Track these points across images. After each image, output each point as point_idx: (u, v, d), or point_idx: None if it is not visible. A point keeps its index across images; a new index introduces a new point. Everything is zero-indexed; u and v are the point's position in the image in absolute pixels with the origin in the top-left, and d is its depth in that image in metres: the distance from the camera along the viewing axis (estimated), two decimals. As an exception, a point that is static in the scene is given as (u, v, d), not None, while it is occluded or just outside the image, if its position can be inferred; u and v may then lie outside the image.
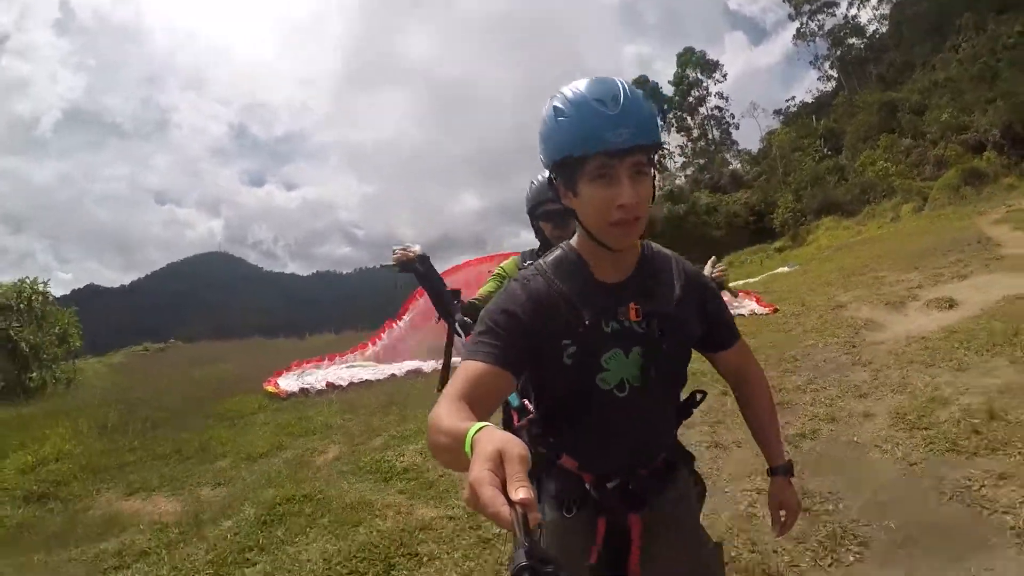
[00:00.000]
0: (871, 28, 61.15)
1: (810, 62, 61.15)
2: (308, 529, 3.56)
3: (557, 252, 1.37)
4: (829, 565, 2.53)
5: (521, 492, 0.63)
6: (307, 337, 19.55)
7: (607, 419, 1.34)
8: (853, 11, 61.34)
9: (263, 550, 3.33)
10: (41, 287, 13.68)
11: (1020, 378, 4.07)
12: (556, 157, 1.21)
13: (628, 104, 1.16)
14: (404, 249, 2.40)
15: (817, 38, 60.96)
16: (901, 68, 52.29)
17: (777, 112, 59.39)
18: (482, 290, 2.48)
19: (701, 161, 54.56)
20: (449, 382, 1.15)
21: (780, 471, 1.49)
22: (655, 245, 1.42)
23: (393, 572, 2.99)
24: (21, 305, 13.05)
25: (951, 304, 7.06)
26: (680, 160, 51.59)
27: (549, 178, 1.31)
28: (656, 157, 1.25)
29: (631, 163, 1.16)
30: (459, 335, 2.28)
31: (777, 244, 34.12)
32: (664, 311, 1.33)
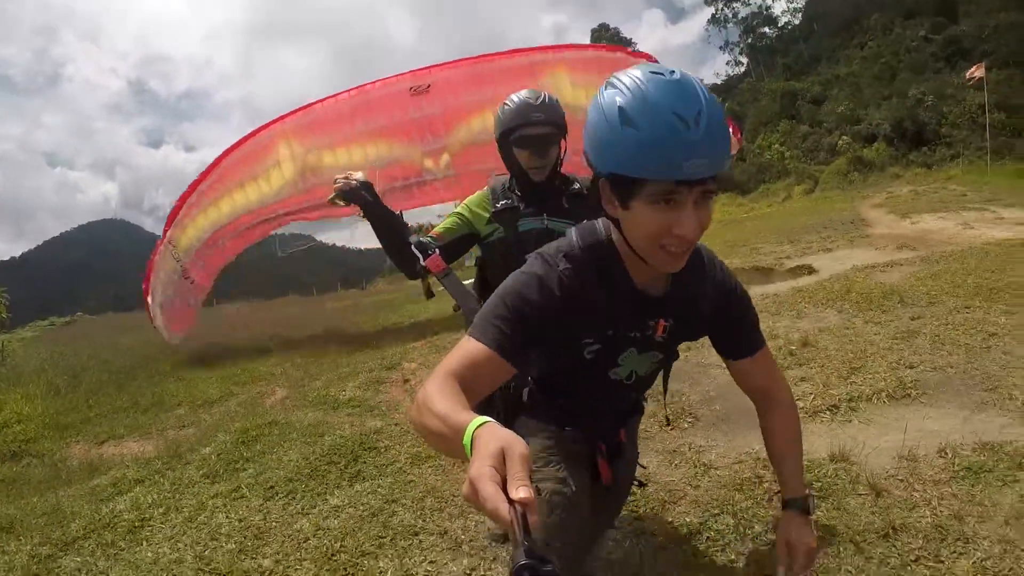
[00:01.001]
0: (784, 19, 64.77)
1: (720, 47, 64.30)
2: (282, 442, 4.29)
3: (592, 240, 1.25)
4: (671, 430, 3.55)
5: (522, 491, 0.63)
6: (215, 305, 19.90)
7: (607, 395, 1.47)
8: (768, 1, 64.67)
9: (248, 460, 4.06)
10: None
11: (838, 321, 5.28)
12: (614, 170, 1.05)
13: (711, 125, 0.99)
14: (346, 178, 2.23)
15: (730, 24, 64.11)
16: (808, 61, 55.45)
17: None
18: (440, 227, 2.24)
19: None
20: (448, 357, 1.11)
21: (794, 505, 1.36)
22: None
23: (359, 460, 3.79)
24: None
25: (810, 271, 8.42)
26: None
27: (594, 178, 1.14)
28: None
29: (701, 190, 1.03)
30: (419, 257, 2.12)
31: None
32: (687, 326, 1.36)
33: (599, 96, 1.07)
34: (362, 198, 2.19)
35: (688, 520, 2.61)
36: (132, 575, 2.91)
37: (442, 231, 2.22)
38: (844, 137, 34.57)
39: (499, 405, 1.73)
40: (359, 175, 2.25)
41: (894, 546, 2.17)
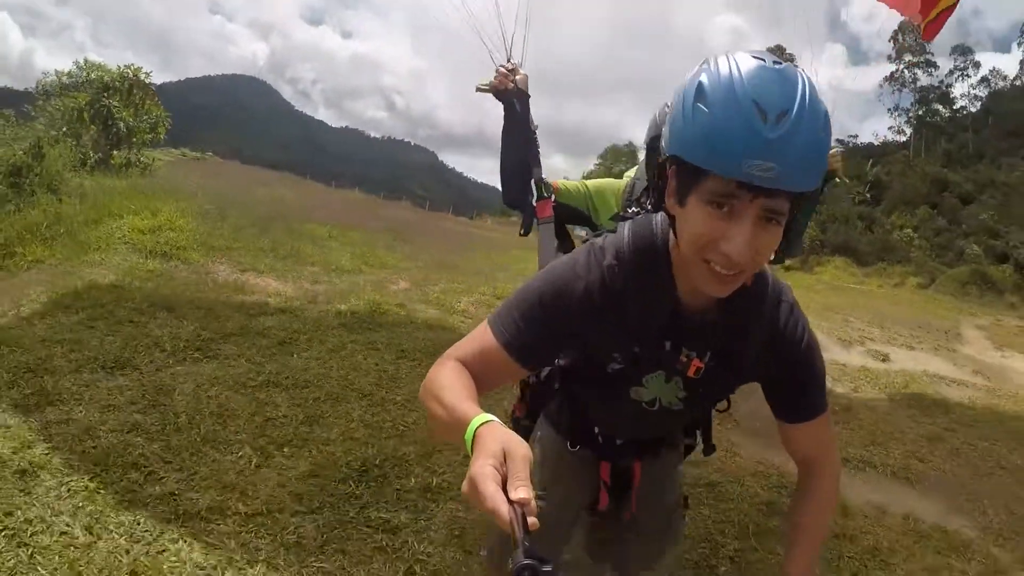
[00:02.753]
0: (960, 103, 60.91)
1: (889, 108, 60.93)
2: (409, 322, 5.33)
3: (644, 242, 1.07)
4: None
5: (521, 491, 0.63)
6: (333, 186, 21.34)
7: (629, 417, 1.29)
8: (950, 80, 60.81)
9: (380, 326, 5.10)
10: (144, 77, 15.20)
11: (886, 408, 5.89)
12: (676, 152, 0.90)
13: (796, 128, 0.81)
14: (512, 71, 2.00)
15: (906, 89, 60.81)
16: (970, 154, 52.47)
17: (839, 141, 59.36)
18: (562, 184, 2.03)
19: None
20: (463, 341, 1.08)
21: None
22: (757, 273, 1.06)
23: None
24: (123, 88, 14.58)
25: (884, 358, 8.83)
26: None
27: (662, 162, 0.98)
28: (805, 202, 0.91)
29: (765, 205, 0.85)
30: (533, 193, 1.91)
31: (787, 262, 35.72)
32: (725, 371, 1.15)
33: (691, 72, 0.92)
34: (511, 105, 1.99)
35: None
36: (286, 371, 3.93)
37: (562, 189, 1.99)
38: (975, 247, 33.05)
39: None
40: (521, 76, 2.01)
41: None
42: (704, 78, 0.87)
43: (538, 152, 2.02)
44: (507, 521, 0.61)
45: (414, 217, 20.77)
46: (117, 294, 5.10)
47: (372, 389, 3.80)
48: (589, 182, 2.07)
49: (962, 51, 61.62)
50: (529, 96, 2.03)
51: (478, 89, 2.06)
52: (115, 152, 13.83)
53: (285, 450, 3.03)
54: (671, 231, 1.03)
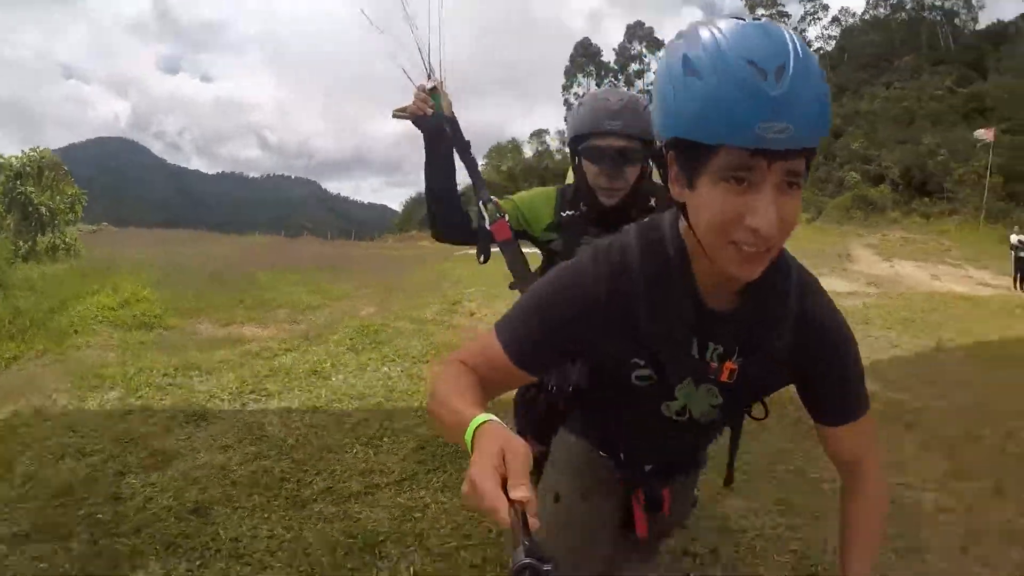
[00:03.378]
0: (816, 44, 65.43)
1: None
2: (399, 336, 6.12)
3: (653, 236, 0.98)
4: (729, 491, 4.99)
5: (520, 491, 0.63)
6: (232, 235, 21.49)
7: (658, 435, 1.19)
8: (803, 26, 65.42)
9: (379, 343, 5.87)
10: (54, 157, 15.12)
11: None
12: (676, 133, 0.80)
13: (799, 81, 0.74)
14: (432, 90, 1.75)
15: None
16: (833, 92, 56.37)
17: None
18: (503, 202, 1.83)
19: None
20: (470, 344, 1.06)
21: None
22: (778, 258, 0.94)
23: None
24: (35, 172, 14.47)
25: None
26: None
27: (658, 151, 0.88)
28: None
29: (784, 169, 0.76)
30: (484, 217, 1.77)
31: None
32: (760, 368, 1.03)
33: (665, 53, 0.84)
34: (433, 130, 1.75)
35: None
36: (333, 394, 4.56)
37: (505, 206, 1.82)
38: (853, 173, 36.18)
39: (541, 404, 1.64)
40: (445, 99, 1.77)
41: None
42: (687, 50, 0.78)
43: (479, 172, 1.87)
44: (507, 520, 0.61)
45: (326, 250, 21.21)
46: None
47: (410, 391, 4.61)
48: (515, 196, 1.89)
49: None
50: (455, 119, 1.78)
51: (395, 115, 1.82)
52: (38, 237, 13.75)
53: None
54: (681, 221, 0.93)
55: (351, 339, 6.11)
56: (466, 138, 1.84)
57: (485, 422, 0.75)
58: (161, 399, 4.62)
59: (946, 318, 7.95)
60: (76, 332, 8.03)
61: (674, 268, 0.96)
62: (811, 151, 0.78)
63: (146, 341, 7.00)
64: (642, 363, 1.04)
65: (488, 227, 1.76)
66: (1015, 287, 15.32)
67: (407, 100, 1.77)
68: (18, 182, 13.88)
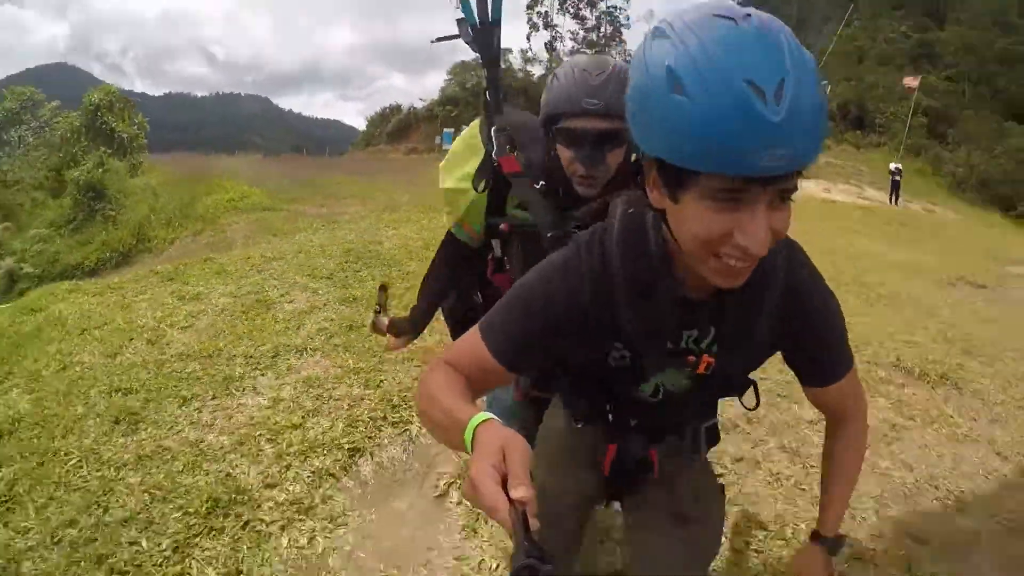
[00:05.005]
0: None
1: None
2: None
3: (636, 231, 0.93)
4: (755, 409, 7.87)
5: (521, 490, 0.63)
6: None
7: (636, 409, 1.18)
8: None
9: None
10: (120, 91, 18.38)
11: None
12: (659, 155, 0.75)
13: (799, 99, 0.66)
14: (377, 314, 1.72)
15: None
16: (794, 26, 58.51)
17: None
18: (464, 215, 1.55)
19: (588, 52, 57.51)
20: (455, 344, 1.03)
21: (822, 540, 1.18)
22: None
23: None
24: (112, 104, 17.66)
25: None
26: (570, 45, 48.92)
27: (636, 159, 0.88)
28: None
29: (777, 189, 0.73)
30: (492, 148, 1.47)
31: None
32: (735, 353, 1.03)
33: (643, 47, 0.75)
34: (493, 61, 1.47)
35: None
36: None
37: (461, 226, 1.59)
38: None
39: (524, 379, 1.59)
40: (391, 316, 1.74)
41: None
42: (672, 60, 0.68)
43: (499, 93, 1.52)
44: (507, 520, 0.60)
45: (305, 166, 22.80)
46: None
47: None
48: (459, 212, 1.55)
49: None
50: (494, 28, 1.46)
51: (437, 39, 1.60)
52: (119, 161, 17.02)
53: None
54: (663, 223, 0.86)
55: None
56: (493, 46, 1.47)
57: (484, 421, 0.73)
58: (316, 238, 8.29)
59: (804, 216, 11.68)
60: (214, 218, 11.75)
61: (657, 269, 0.91)
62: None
63: (271, 218, 10.51)
64: (620, 346, 1.01)
65: (494, 154, 1.45)
66: (890, 202, 20.10)
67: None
68: (98, 113, 17.07)
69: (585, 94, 1.32)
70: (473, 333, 1.00)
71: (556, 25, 58.10)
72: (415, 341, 1.79)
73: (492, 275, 1.66)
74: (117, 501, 2.45)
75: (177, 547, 2.20)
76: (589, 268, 0.96)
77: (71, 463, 2.70)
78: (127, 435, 2.93)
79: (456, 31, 1.49)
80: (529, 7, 62.58)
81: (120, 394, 3.31)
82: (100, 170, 14.08)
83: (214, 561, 2.14)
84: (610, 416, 1.22)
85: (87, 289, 5.74)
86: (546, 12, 58.89)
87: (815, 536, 1.20)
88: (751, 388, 1.18)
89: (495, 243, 1.59)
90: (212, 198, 12.50)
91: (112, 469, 2.66)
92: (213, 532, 2.29)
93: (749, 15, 0.70)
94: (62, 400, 3.30)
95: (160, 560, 2.14)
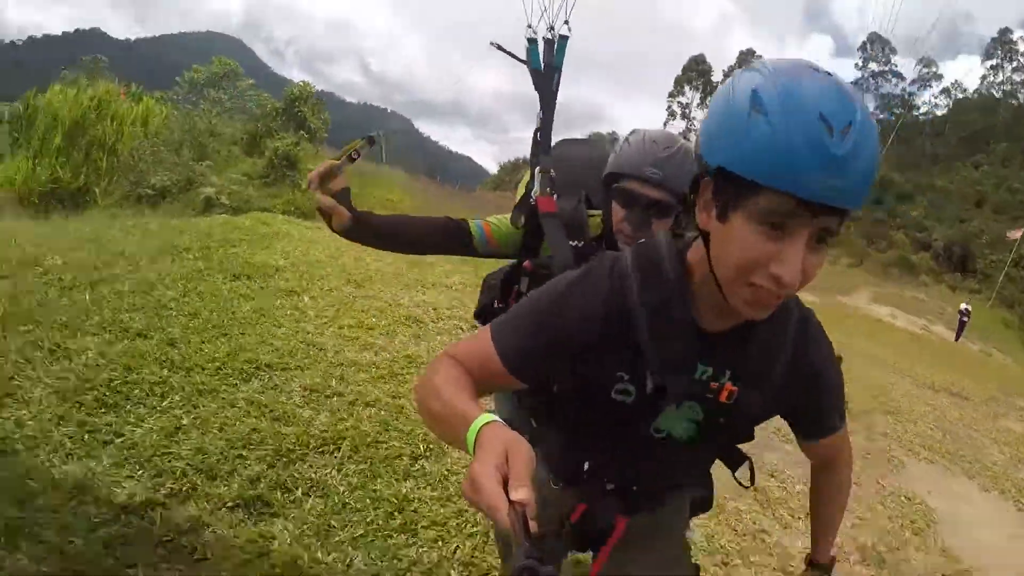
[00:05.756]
0: (923, 109, 67.13)
1: None
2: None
3: (653, 257, 0.97)
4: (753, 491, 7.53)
5: (521, 492, 0.63)
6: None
7: (629, 452, 1.14)
8: (913, 89, 67.04)
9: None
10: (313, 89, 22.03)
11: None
12: (725, 164, 0.79)
13: (861, 144, 0.74)
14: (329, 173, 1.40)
15: (869, 94, 66.11)
16: (927, 158, 58.54)
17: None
18: (498, 223, 1.63)
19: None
20: (464, 340, 1.03)
21: (818, 568, 1.28)
22: None
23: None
24: (307, 98, 21.20)
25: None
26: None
27: (695, 177, 0.88)
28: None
29: (822, 225, 0.77)
30: (534, 189, 1.49)
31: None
32: (755, 392, 1.01)
33: (734, 77, 0.82)
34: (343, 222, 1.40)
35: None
36: None
37: (494, 228, 1.62)
38: (903, 236, 40.09)
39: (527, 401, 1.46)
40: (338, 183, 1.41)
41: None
42: (759, 86, 0.76)
43: (549, 135, 1.56)
44: (506, 521, 0.60)
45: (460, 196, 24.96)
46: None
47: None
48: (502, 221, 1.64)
49: (926, 63, 68.17)
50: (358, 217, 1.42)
51: (496, 45, 1.59)
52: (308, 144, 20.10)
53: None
54: (692, 247, 0.95)
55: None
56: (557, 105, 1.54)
57: (489, 423, 0.74)
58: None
59: (855, 335, 13.10)
60: (378, 206, 14.80)
61: (674, 291, 0.93)
62: (849, 213, 0.77)
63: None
64: (625, 377, 1.00)
65: (533, 197, 1.48)
66: (956, 339, 20.99)
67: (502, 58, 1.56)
68: (296, 103, 20.64)
69: (649, 163, 1.41)
70: (484, 332, 0.99)
71: (694, 118, 61.54)
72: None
73: (513, 303, 1.55)
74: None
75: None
76: (607, 286, 0.96)
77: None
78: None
79: (519, 54, 1.54)
80: (671, 95, 65.02)
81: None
82: (296, 146, 17.33)
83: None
84: (585, 475, 1.19)
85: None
86: (687, 103, 61.68)
87: (811, 563, 1.28)
88: (746, 464, 1.22)
89: (523, 280, 1.54)
90: (375, 191, 15.14)
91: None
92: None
93: (831, 74, 0.77)
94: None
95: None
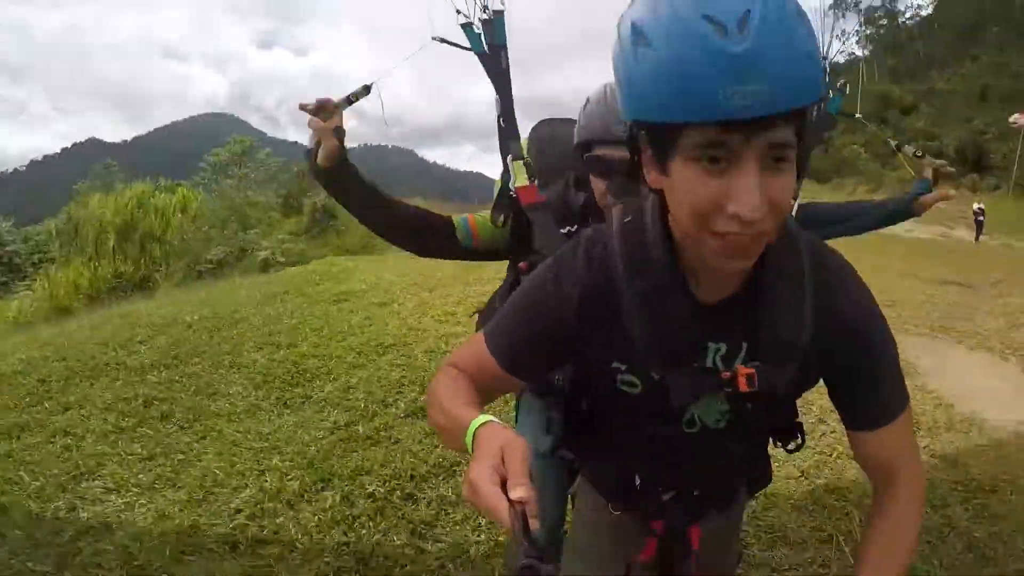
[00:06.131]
0: (909, 12, 65.92)
1: (837, 36, 64.60)
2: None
3: (635, 225, 0.87)
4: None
5: (520, 491, 0.61)
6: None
7: (666, 449, 1.03)
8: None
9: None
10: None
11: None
12: (635, 116, 0.72)
13: (770, 31, 0.61)
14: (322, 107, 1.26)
15: (850, 12, 64.33)
16: (921, 62, 57.63)
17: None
18: (483, 219, 1.44)
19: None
20: (462, 347, 1.00)
21: None
22: (784, 238, 0.83)
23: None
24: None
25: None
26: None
27: (629, 134, 0.79)
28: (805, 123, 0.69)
29: (766, 142, 0.65)
30: (511, 179, 1.39)
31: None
32: (778, 363, 0.86)
33: (619, 20, 0.73)
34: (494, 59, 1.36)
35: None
36: None
37: (480, 225, 1.44)
38: (909, 146, 40.26)
39: (557, 421, 1.47)
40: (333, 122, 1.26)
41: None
42: (636, 16, 0.67)
43: (514, 119, 1.43)
44: (506, 521, 0.59)
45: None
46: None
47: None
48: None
49: None
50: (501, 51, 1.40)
51: (439, 40, 1.40)
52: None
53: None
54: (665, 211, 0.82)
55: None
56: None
57: (484, 423, 0.71)
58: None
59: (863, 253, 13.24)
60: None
61: (658, 260, 0.83)
62: (798, 116, 0.65)
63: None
64: (623, 368, 0.92)
65: (512, 187, 1.38)
66: (976, 240, 21.38)
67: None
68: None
69: (617, 120, 1.21)
70: (479, 336, 0.96)
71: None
72: None
73: None
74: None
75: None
76: (586, 264, 0.88)
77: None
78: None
79: (460, 40, 1.40)
80: None
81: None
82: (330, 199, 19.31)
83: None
84: (637, 483, 1.09)
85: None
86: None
87: None
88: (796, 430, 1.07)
89: (523, 279, 1.27)
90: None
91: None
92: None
93: None
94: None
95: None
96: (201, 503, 2.83)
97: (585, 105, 1.39)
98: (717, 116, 0.62)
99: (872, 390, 0.89)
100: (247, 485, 2.95)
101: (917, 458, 0.95)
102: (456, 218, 1.44)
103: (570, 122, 1.53)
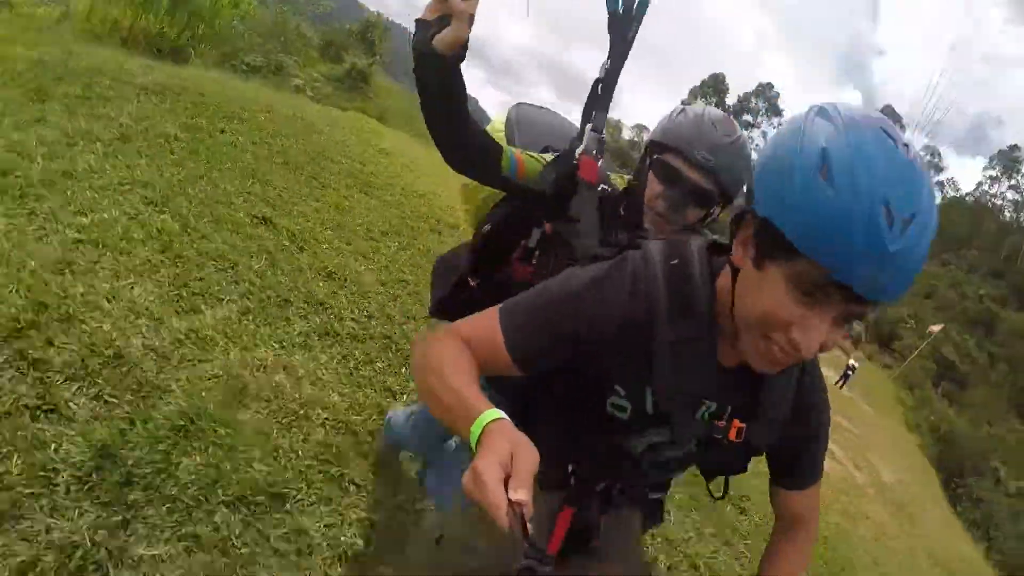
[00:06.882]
0: None
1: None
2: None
3: (683, 273, 0.93)
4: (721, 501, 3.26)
5: (521, 492, 0.62)
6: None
7: (616, 458, 1.10)
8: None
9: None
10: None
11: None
12: (776, 221, 0.76)
13: (916, 239, 0.71)
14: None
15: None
16: None
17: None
18: (529, 157, 1.37)
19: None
20: (471, 319, 0.98)
21: None
22: None
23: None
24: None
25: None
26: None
27: (738, 215, 0.85)
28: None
29: (853, 311, 0.76)
30: (579, 150, 1.33)
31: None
32: (762, 426, 0.99)
33: (804, 118, 0.78)
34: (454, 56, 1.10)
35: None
36: None
37: (527, 164, 1.36)
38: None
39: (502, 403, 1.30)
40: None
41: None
42: (830, 144, 0.72)
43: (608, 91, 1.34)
44: (504, 520, 0.60)
45: None
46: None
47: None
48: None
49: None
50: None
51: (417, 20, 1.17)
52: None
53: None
54: (721, 273, 0.90)
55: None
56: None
57: (497, 419, 0.73)
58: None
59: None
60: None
61: (700, 317, 0.89)
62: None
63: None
64: (622, 393, 0.97)
65: (576, 158, 1.32)
66: (836, 384, 21.75)
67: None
68: (369, 30, 24.36)
69: (705, 146, 1.30)
70: (492, 317, 0.95)
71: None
72: None
73: (517, 260, 1.48)
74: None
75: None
76: (628, 299, 0.91)
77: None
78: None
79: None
80: (684, 102, 63.97)
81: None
82: (371, 66, 21.48)
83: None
84: (572, 479, 1.13)
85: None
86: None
87: None
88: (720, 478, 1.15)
89: (535, 232, 1.43)
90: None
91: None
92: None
93: (908, 146, 0.73)
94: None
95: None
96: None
97: (677, 112, 1.41)
98: (846, 282, 0.71)
99: (809, 461, 1.07)
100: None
101: (818, 511, 1.15)
102: (505, 148, 1.33)
103: (548, 112, 1.71)
